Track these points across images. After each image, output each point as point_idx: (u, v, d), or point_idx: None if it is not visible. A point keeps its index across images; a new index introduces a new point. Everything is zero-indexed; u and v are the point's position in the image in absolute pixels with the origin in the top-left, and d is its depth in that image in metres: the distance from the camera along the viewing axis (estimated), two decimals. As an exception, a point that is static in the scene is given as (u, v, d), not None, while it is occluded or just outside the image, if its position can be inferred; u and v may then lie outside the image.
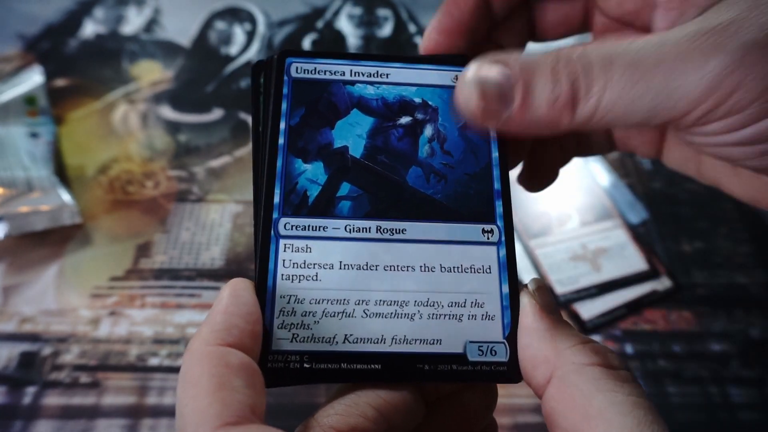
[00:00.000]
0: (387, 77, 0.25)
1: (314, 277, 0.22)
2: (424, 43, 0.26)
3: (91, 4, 0.66)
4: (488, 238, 0.23)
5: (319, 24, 0.65)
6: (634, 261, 0.49)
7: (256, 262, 0.22)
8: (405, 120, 0.25)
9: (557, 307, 0.22)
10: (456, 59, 0.26)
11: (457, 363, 0.22)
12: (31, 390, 0.41)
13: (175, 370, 0.42)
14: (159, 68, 0.61)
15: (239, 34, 0.65)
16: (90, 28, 0.64)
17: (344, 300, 0.22)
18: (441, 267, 0.23)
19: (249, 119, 0.57)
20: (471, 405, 0.24)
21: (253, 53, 0.63)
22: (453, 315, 0.22)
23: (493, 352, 0.22)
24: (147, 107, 0.58)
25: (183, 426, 0.18)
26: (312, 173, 0.23)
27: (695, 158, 0.28)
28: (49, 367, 0.42)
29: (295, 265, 0.22)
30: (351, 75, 0.25)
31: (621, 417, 0.18)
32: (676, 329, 0.46)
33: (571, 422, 0.19)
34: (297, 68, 0.25)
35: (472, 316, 0.22)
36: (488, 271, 0.23)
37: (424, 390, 0.23)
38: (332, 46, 0.63)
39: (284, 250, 0.22)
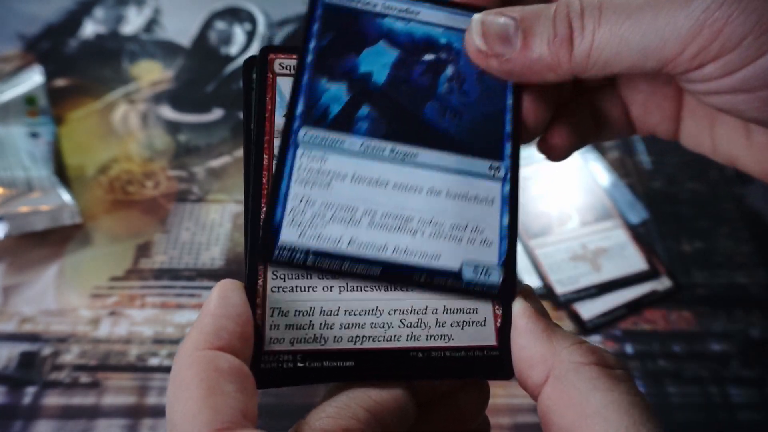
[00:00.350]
0: (417, 15, 0.26)
1: (327, 185, 0.23)
2: None
3: (91, 4, 0.66)
4: (494, 174, 0.25)
5: (319, 24, 0.65)
6: (634, 261, 0.49)
7: (246, 242, 0.22)
8: (428, 57, 0.26)
9: (547, 313, 0.22)
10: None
11: (452, 279, 0.22)
12: (31, 390, 0.41)
13: (175, 370, 0.42)
14: (159, 68, 0.61)
15: (239, 34, 0.65)
16: (90, 28, 0.64)
17: (353, 208, 0.23)
18: (447, 193, 0.24)
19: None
20: (463, 405, 0.24)
21: (252, 53, 0.63)
22: (453, 236, 0.23)
23: (488, 274, 0.23)
24: (147, 107, 0.58)
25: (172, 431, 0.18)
26: (335, 93, 0.25)
27: (710, 133, 0.28)
28: (49, 367, 0.42)
29: (310, 172, 0.23)
30: (382, 9, 0.26)
31: (618, 415, 0.19)
32: (676, 329, 0.46)
33: (568, 421, 0.19)
34: None
35: (471, 240, 0.23)
36: (491, 203, 0.24)
37: (417, 390, 0.23)
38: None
39: (301, 157, 0.23)
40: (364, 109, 0.25)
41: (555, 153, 0.28)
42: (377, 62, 0.25)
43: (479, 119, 0.25)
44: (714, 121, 0.27)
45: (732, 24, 0.20)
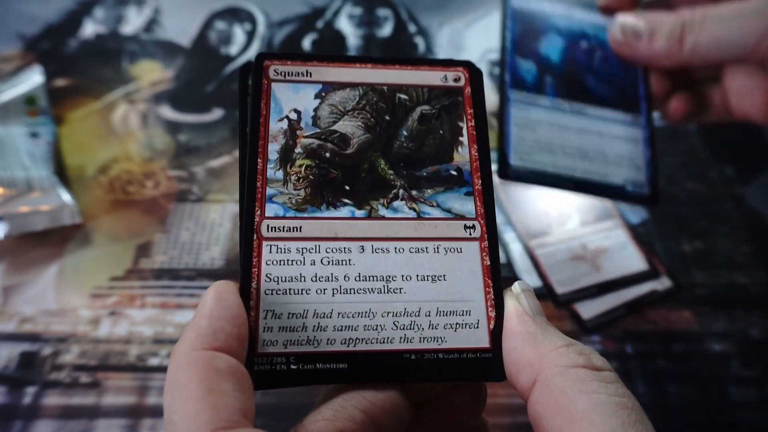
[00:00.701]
0: (573, 15, 0.40)
1: (533, 129, 0.37)
2: None
3: (91, 4, 0.66)
4: (636, 121, 0.38)
5: (319, 24, 0.65)
6: (634, 261, 0.49)
7: (241, 227, 0.22)
8: (584, 44, 0.39)
9: (542, 311, 0.22)
10: None
11: (618, 190, 0.24)
12: (31, 390, 0.41)
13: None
14: (159, 68, 0.61)
15: (239, 34, 0.65)
16: (90, 28, 0.64)
17: (551, 143, 0.38)
18: (610, 134, 0.38)
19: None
20: (459, 406, 0.24)
21: (253, 53, 0.63)
22: (617, 163, 0.38)
23: (641, 186, 0.36)
24: (147, 107, 0.58)
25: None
26: (527, 68, 0.38)
27: None
28: (49, 367, 0.42)
29: (522, 119, 0.38)
30: (550, 10, 0.40)
31: (605, 418, 0.18)
32: (676, 329, 0.46)
33: (557, 425, 0.19)
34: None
35: (629, 165, 0.38)
36: (638, 142, 0.38)
37: (412, 391, 0.23)
38: (332, 46, 0.63)
39: (514, 110, 0.38)
40: (549, 79, 0.38)
41: (672, 116, 0.41)
42: (552, 47, 0.39)
43: (623, 86, 0.39)
44: None
45: None
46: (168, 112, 0.58)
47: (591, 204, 0.52)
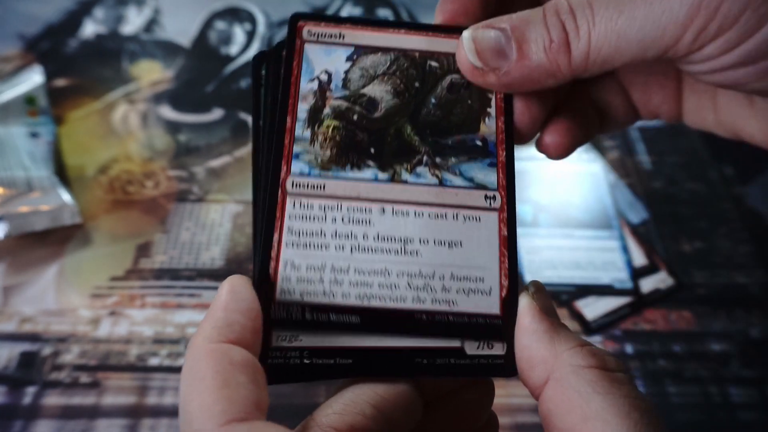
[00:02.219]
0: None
1: None
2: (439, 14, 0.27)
3: (91, 4, 0.66)
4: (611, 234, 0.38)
5: (319, 24, 0.65)
6: (635, 258, 0.49)
7: (260, 225, 0.23)
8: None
9: (555, 311, 0.23)
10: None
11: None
12: (31, 390, 0.41)
13: (176, 370, 0.42)
14: (159, 68, 0.61)
15: (239, 34, 0.65)
16: (90, 28, 0.64)
17: None
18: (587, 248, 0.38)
19: (249, 119, 0.57)
20: (469, 402, 0.24)
21: (253, 53, 0.63)
22: None
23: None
24: (147, 107, 0.58)
25: (188, 422, 0.18)
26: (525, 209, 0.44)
27: (713, 107, 0.27)
28: (49, 367, 0.42)
29: None
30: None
31: (618, 419, 0.18)
32: (676, 329, 0.46)
33: (569, 424, 0.19)
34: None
35: None
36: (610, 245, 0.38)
37: (423, 388, 0.23)
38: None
39: None
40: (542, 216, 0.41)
41: (555, 151, 0.27)
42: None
43: (595, 210, 0.42)
44: (715, 95, 0.27)
45: (728, 1, 0.20)
46: (168, 112, 0.58)
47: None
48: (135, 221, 0.50)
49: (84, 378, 0.42)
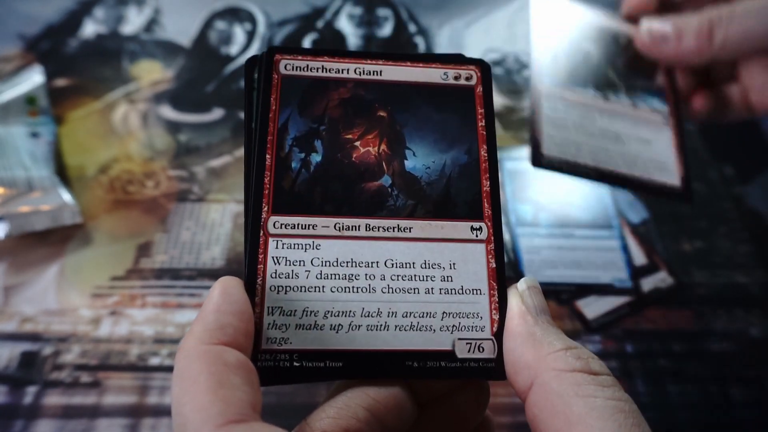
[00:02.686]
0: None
1: None
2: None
3: (91, 4, 0.66)
4: (610, 234, 0.38)
5: (319, 24, 0.65)
6: (635, 257, 0.49)
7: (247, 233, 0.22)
8: None
9: (547, 309, 0.22)
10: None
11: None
12: (31, 390, 0.41)
13: (176, 369, 0.42)
14: (159, 68, 0.61)
15: (239, 34, 0.65)
16: (90, 28, 0.64)
17: None
18: (585, 248, 0.43)
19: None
20: (463, 405, 0.24)
21: (253, 53, 0.63)
22: None
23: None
24: (147, 107, 0.58)
25: (183, 424, 0.18)
26: (525, 209, 0.46)
27: None
28: (50, 367, 0.42)
29: None
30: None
31: (602, 422, 0.18)
32: (677, 329, 0.46)
33: (553, 429, 0.19)
34: None
35: None
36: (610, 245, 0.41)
37: (416, 390, 0.23)
38: (332, 46, 0.63)
39: None
40: (542, 215, 0.45)
41: (696, 112, 0.42)
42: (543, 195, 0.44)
43: (595, 210, 0.47)
44: None
45: None
46: (168, 112, 0.58)
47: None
48: (135, 221, 0.50)
49: (85, 378, 0.42)
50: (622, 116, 0.39)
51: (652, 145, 0.39)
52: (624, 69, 0.41)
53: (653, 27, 0.39)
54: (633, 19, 0.42)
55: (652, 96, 0.40)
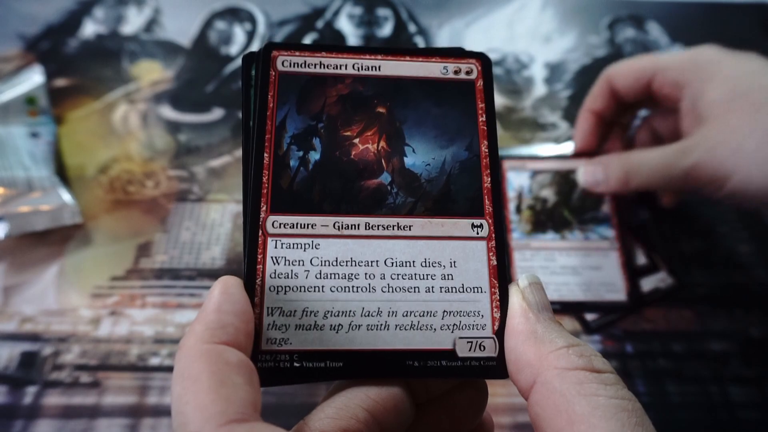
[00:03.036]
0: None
1: None
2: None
3: (91, 4, 0.66)
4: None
5: (319, 24, 0.65)
6: (635, 257, 0.49)
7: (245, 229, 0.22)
8: None
9: (549, 305, 0.22)
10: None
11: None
12: (31, 390, 0.41)
13: (176, 369, 0.42)
14: (159, 68, 0.61)
15: (239, 34, 0.65)
16: (90, 28, 0.64)
17: None
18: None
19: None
20: (461, 405, 0.24)
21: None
22: None
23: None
24: (147, 107, 0.58)
25: (184, 423, 0.17)
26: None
27: None
28: (50, 367, 0.42)
29: None
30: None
31: (604, 421, 0.18)
32: (676, 328, 0.46)
33: (556, 427, 0.19)
34: None
35: None
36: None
37: (414, 391, 0.23)
38: (332, 46, 0.63)
39: None
40: None
41: (668, 204, 0.51)
42: None
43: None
44: None
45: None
46: (168, 112, 0.58)
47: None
48: (135, 221, 0.50)
49: (84, 378, 0.42)
50: (577, 250, 0.47)
51: (602, 270, 0.46)
52: (578, 202, 0.48)
53: (587, 172, 0.46)
54: (583, 154, 0.50)
55: (600, 225, 0.48)
